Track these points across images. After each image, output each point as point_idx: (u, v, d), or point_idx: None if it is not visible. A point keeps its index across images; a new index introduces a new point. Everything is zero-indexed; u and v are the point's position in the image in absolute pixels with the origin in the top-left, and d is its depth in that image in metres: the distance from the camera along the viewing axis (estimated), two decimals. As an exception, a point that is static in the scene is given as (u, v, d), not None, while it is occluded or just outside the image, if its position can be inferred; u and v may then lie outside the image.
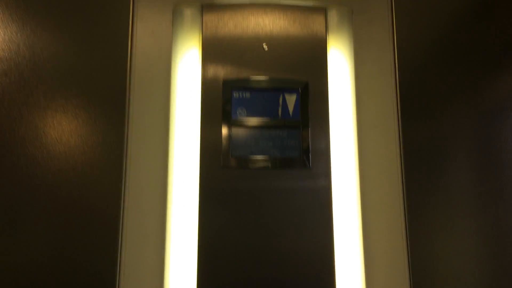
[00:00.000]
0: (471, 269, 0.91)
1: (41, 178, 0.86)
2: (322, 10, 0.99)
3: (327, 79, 0.96)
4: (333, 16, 0.99)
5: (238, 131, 0.92)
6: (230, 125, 0.92)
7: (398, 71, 0.97)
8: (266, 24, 0.97)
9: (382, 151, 0.96)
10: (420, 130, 0.95)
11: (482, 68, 0.99)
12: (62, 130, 0.89)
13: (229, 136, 0.91)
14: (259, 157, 0.91)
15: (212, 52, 0.95)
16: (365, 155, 0.95)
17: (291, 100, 0.94)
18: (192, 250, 0.88)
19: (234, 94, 0.93)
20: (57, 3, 0.93)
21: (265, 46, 0.95)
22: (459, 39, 1.00)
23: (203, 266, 0.86)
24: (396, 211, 0.93)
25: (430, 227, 0.91)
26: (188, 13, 0.97)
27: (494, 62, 0.99)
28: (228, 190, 0.90)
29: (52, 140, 0.88)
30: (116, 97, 0.91)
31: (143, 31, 0.97)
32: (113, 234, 0.86)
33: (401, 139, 0.94)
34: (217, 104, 0.93)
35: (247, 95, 0.94)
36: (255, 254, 0.88)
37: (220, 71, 0.94)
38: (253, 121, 0.93)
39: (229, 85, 0.93)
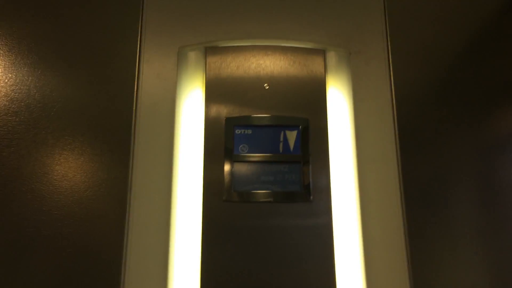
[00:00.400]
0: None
1: (47, 213, 0.88)
2: (321, 52, 1.03)
3: (327, 116, 0.98)
4: (331, 57, 1.03)
5: (240, 167, 0.94)
6: (232, 160, 0.94)
7: (396, 107, 1.00)
8: (267, 64, 1.00)
9: (382, 185, 0.97)
10: (419, 163, 0.97)
11: (480, 103, 1.01)
12: (69, 167, 0.91)
13: (232, 171, 0.93)
14: (261, 191, 0.92)
15: (215, 91, 0.98)
16: (365, 189, 0.96)
17: (291, 136, 0.96)
18: (195, 285, 0.87)
19: (236, 131, 0.96)
20: (67, 47, 0.98)
21: (266, 86, 0.99)
22: (456, 75, 1.03)
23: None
24: (398, 245, 0.93)
25: (433, 260, 0.91)
26: (192, 55, 1.02)
27: (492, 98, 1.02)
28: (230, 224, 0.91)
29: (59, 176, 0.90)
30: (121, 135, 0.94)
31: (149, 72, 1.01)
32: (116, 269, 0.87)
33: (401, 172, 0.95)
34: (219, 141, 0.95)
35: (249, 131, 0.96)
36: (256, 284, 0.87)
37: (223, 109, 0.97)
38: (254, 156, 0.95)
39: (231, 122, 0.96)
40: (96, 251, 0.87)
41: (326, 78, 1.01)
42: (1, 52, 0.95)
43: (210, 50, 1.01)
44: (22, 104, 0.93)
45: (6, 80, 0.94)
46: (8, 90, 0.93)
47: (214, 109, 0.97)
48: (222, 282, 0.88)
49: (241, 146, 0.95)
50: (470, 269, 0.91)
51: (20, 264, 0.85)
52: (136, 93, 0.98)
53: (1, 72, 0.94)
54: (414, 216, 0.93)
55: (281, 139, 0.96)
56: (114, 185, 0.91)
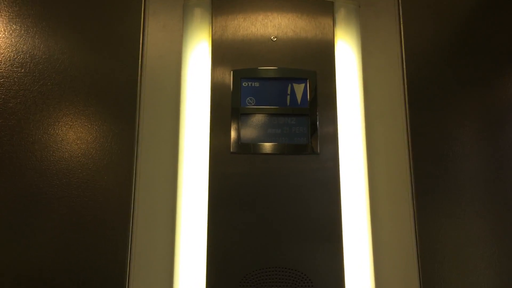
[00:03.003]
0: (480, 254, 0.90)
1: (54, 163, 0.88)
2: (330, 4, 1.01)
3: (335, 69, 0.97)
4: (340, 9, 1.01)
5: (247, 119, 0.93)
6: (239, 113, 0.93)
7: (406, 61, 0.98)
8: (275, 16, 0.99)
9: (390, 139, 0.96)
10: (427, 119, 0.96)
11: (492, 63, 0.99)
12: (75, 118, 0.91)
13: (238, 123, 0.93)
14: (268, 143, 0.92)
15: (221, 44, 0.97)
16: (373, 143, 0.96)
17: (299, 89, 0.95)
18: (202, 236, 0.89)
19: (243, 84, 0.95)
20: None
21: (273, 38, 0.97)
22: (469, 32, 1.01)
23: (213, 243, 0.88)
24: (404, 197, 0.93)
25: (438, 213, 0.91)
26: (199, 7, 1.00)
27: (505, 58, 0.99)
28: (237, 176, 0.91)
29: (66, 126, 0.90)
30: (127, 88, 0.94)
31: (154, 24, 1.00)
32: (124, 218, 0.87)
33: (409, 127, 0.95)
34: (226, 94, 0.95)
35: (256, 84, 0.95)
36: (263, 235, 0.88)
37: (230, 62, 0.96)
38: (261, 109, 0.94)
39: (238, 75, 0.95)
40: (105, 199, 0.88)
41: (335, 30, 1.00)
42: (6, 2, 0.94)
43: (216, 1, 0.99)
44: (27, 55, 0.92)
45: (11, 31, 0.93)
46: (13, 41, 0.92)
47: (221, 61, 0.96)
48: (229, 233, 0.88)
49: (248, 98, 0.94)
50: (474, 223, 0.91)
51: (28, 213, 0.86)
52: (142, 46, 0.97)
53: (5, 23, 0.93)
54: (421, 170, 0.93)
55: (289, 92, 0.95)
56: (122, 137, 0.91)
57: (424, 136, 0.95)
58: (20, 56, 0.93)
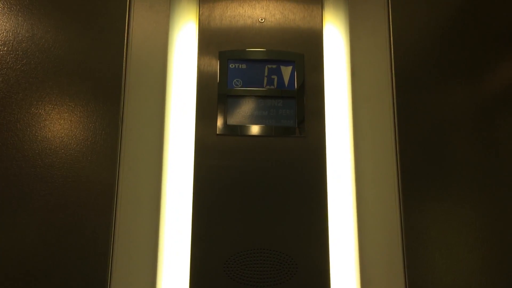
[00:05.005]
0: (463, 238, 0.90)
1: (39, 143, 0.87)
2: (318, -14, 1.00)
3: (323, 52, 0.97)
4: (329, -8, 1.01)
5: (234, 101, 0.93)
6: (226, 94, 0.92)
7: (394, 45, 0.98)
8: (263, -2, 0.98)
9: (376, 122, 0.96)
10: (414, 103, 0.95)
11: (480, 46, 0.99)
12: (59, 96, 0.89)
13: (225, 105, 0.92)
14: (255, 125, 0.91)
15: (209, 25, 0.96)
16: (359, 126, 0.95)
17: (286, 71, 0.95)
18: (187, 216, 0.88)
19: (230, 65, 0.94)
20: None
21: (261, 20, 0.96)
22: (457, 15, 1.00)
23: (198, 224, 0.88)
24: (390, 180, 0.93)
25: (423, 195, 0.91)
26: (186, -13, 0.99)
27: (494, 41, 0.99)
28: (223, 157, 0.90)
29: (51, 105, 0.88)
30: (113, 68, 0.92)
31: (141, 4, 0.98)
32: (109, 199, 0.86)
33: (396, 111, 0.94)
34: (213, 75, 0.94)
35: (243, 66, 0.94)
36: (249, 217, 0.88)
37: (217, 43, 0.95)
38: (248, 91, 0.93)
39: (225, 56, 0.94)
40: (88, 180, 0.86)
41: (323, 14, 0.99)
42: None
43: (204, -18, 0.98)
44: (10, 33, 0.91)
45: (-7, 9, 0.91)
46: (-5, 19, 0.91)
47: (208, 43, 0.95)
48: (214, 214, 0.88)
49: (235, 80, 0.94)
50: (462, 207, 0.92)
51: (10, 194, 0.84)
52: (128, 26, 0.96)
53: (-13, 0, 0.91)
54: (407, 154, 0.93)
55: (276, 74, 0.94)
56: (106, 117, 0.89)
57: (410, 120, 0.95)
58: (3, 34, 0.91)
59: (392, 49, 0.98)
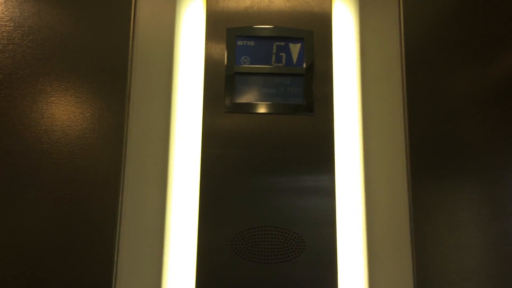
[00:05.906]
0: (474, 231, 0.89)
1: (47, 118, 0.86)
2: (328, -37, 0.98)
3: (332, 30, 0.95)
4: (338, -31, 0.99)
5: (242, 78, 0.92)
6: (233, 72, 0.91)
7: (404, 24, 0.96)
8: (271, -26, 0.96)
9: (385, 100, 0.95)
10: (424, 82, 0.94)
11: (491, 25, 0.97)
12: (66, 71, 0.88)
13: (233, 82, 0.91)
14: (262, 103, 0.90)
15: (216, 1, 0.95)
16: (368, 104, 0.94)
17: (295, 49, 0.93)
18: (194, 193, 0.88)
19: (238, 42, 0.93)
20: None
21: (270, -3, 0.95)
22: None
23: (205, 201, 0.87)
24: (399, 158, 0.92)
25: (432, 175, 0.90)
26: (193, -36, 0.97)
27: (504, 21, 0.97)
28: (230, 135, 0.89)
29: (58, 79, 0.88)
30: (120, 44, 0.91)
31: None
32: (115, 183, 0.86)
33: (405, 90, 0.93)
34: (221, 52, 0.93)
35: (251, 43, 0.93)
36: (256, 194, 0.87)
37: (224, 20, 0.94)
38: (256, 68, 0.92)
39: (233, 33, 0.93)
40: (97, 156, 0.86)
41: (333, -10, 0.97)
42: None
43: (212, -42, 0.96)
44: (17, 9, 0.90)
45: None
46: (1, -6, 0.90)
47: (216, 20, 0.94)
48: (221, 192, 0.87)
49: (243, 57, 0.93)
50: (471, 185, 0.91)
51: (17, 170, 0.84)
52: (135, 1, 0.94)
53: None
54: (416, 131, 0.92)
55: (284, 51, 0.93)
56: (113, 95, 0.89)
57: (420, 99, 0.93)
58: (10, 10, 0.90)
59: (402, 28, 0.96)
